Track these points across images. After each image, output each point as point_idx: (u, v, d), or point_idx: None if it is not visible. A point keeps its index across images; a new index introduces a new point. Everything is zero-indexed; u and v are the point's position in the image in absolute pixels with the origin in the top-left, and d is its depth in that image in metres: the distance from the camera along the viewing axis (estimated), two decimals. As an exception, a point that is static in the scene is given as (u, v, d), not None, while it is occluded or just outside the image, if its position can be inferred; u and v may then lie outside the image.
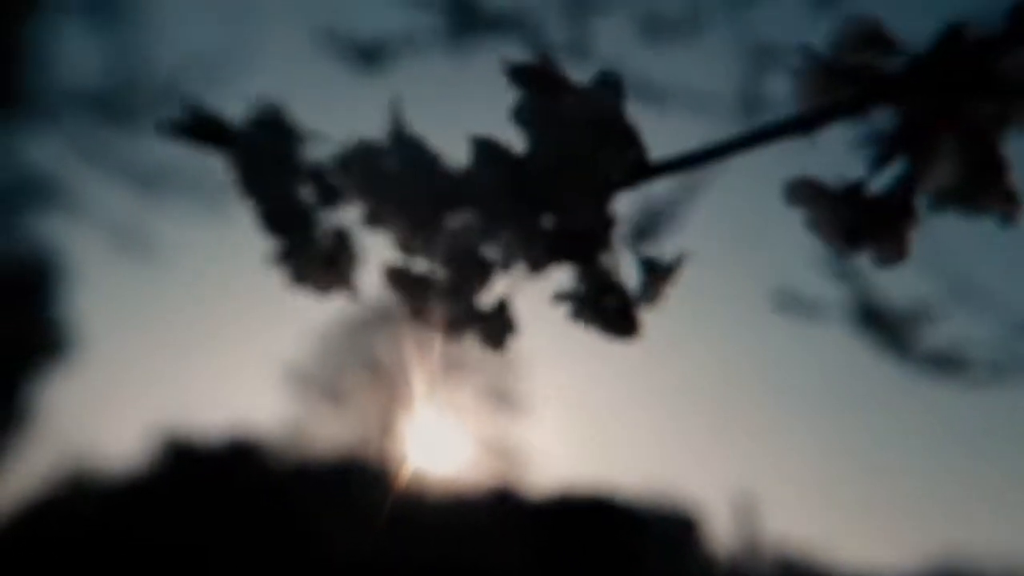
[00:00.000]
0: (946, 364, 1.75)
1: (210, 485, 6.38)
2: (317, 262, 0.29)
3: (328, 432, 7.00)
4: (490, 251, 0.26)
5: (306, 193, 0.30)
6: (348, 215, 0.29)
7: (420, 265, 0.27)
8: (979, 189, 0.24)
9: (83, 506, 6.38)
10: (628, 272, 0.27)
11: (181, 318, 9.43)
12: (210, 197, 5.34)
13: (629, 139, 0.25)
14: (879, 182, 0.25)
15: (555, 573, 6.53)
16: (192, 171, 5.32)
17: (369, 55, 1.65)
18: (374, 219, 0.27)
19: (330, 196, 0.30)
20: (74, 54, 5.66)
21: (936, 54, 0.23)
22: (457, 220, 0.26)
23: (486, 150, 0.25)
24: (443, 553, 6.17)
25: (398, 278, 0.27)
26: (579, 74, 0.24)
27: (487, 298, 0.27)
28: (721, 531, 7.25)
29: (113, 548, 5.92)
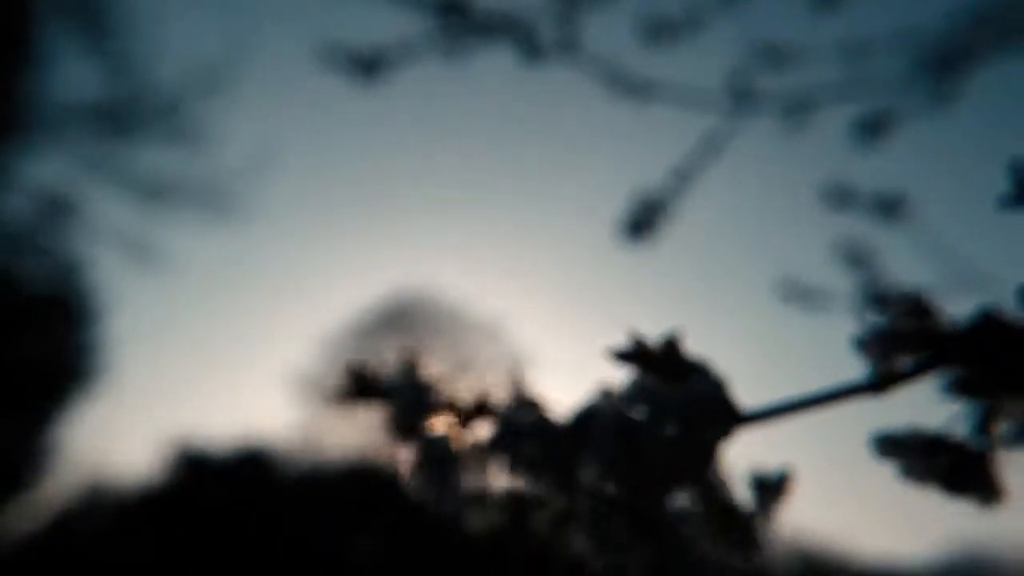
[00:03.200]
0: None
1: (223, 494, 6.41)
2: (462, 492, 0.35)
3: (338, 438, 7.02)
4: (613, 487, 0.31)
5: (447, 427, 0.36)
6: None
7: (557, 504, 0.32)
8: None
9: (100, 518, 6.41)
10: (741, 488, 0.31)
11: (188, 328, 9.47)
12: (215, 207, 5.36)
13: (727, 410, 0.30)
14: (958, 428, 0.29)
15: (572, 569, 6.52)
16: (196, 181, 5.34)
17: (364, 64, 1.65)
18: (514, 472, 0.32)
19: (466, 422, 0.36)
20: (74, 70, 5.69)
21: (975, 332, 0.28)
22: (583, 466, 0.31)
23: (609, 420, 0.30)
24: (458, 552, 6.17)
25: (557, 519, 0.32)
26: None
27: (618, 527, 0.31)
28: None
29: (130, 558, 5.95)
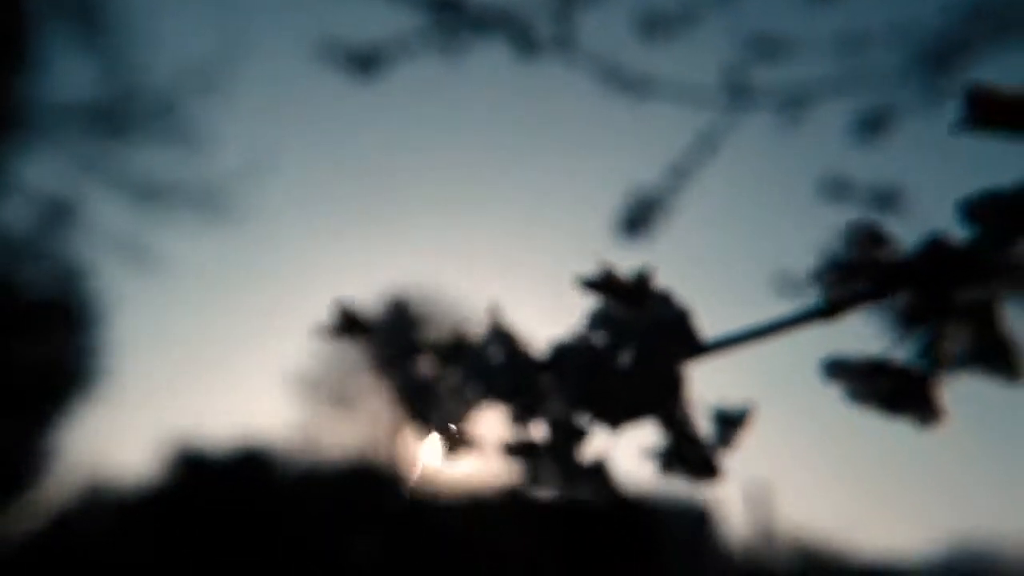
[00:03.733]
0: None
1: (223, 494, 6.40)
2: (443, 426, 0.35)
3: (338, 436, 7.01)
4: (581, 419, 0.32)
5: (429, 365, 0.36)
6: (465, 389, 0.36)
7: (528, 434, 0.33)
8: (987, 359, 0.29)
9: (100, 518, 6.41)
10: (704, 422, 0.33)
11: (187, 329, 9.47)
12: (212, 207, 5.36)
13: (687, 336, 0.31)
14: (901, 354, 0.30)
15: (571, 570, 6.52)
16: (193, 181, 5.34)
17: (361, 60, 1.65)
18: (485, 399, 0.33)
19: (450, 362, 0.36)
20: (70, 70, 5.68)
21: (923, 258, 0.29)
22: (551, 397, 0.32)
23: (565, 347, 0.31)
24: (457, 553, 6.17)
25: (512, 449, 0.33)
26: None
27: (585, 456, 0.32)
28: (735, 521, 7.24)
29: (129, 559, 5.95)
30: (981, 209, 0.28)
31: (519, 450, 0.33)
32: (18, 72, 5.21)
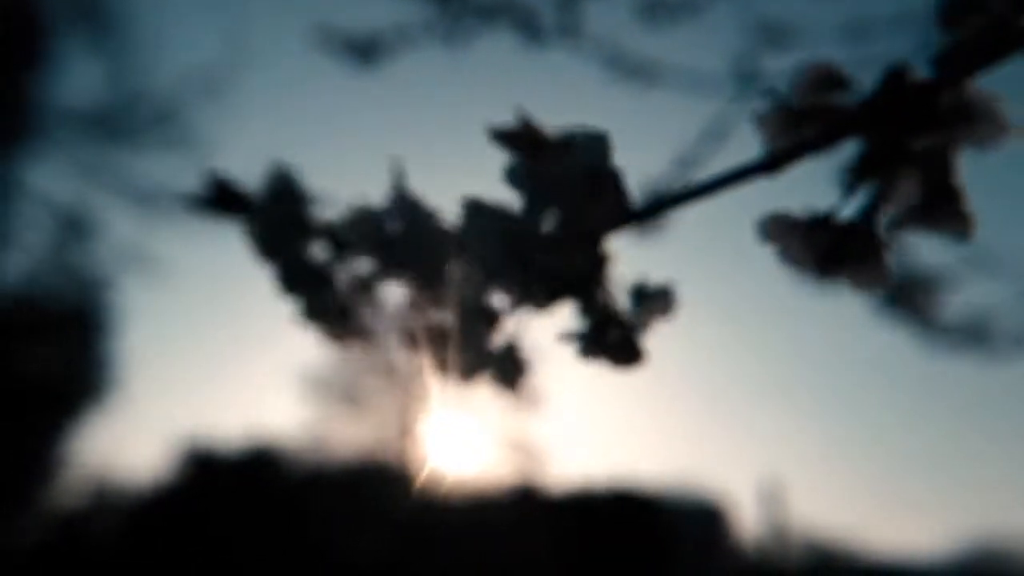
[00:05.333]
0: (970, 336, 1.73)
1: (232, 493, 6.42)
2: (334, 318, 0.32)
3: (347, 435, 7.02)
4: (495, 299, 0.28)
5: (319, 250, 0.32)
6: (361, 268, 0.32)
7: (433, 319, 0.29)
8: (936, 212, 0.25)
9: (110, 519, 6.44)
10: (625, 304, 0.29)
11: (195, 331, 9.50)
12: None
13: (615, 190, 0.27)
14: (847, 210, 0.26)
15: (581, 569, 6.51)
16: (196, 184, 5.33)
17: (365, 51, 1.64)
18: (384, 278, 0.30)
19: (342, 251, 0.32)
20: (75, 75, 5.70)
21: (881, 94, 0.25)
22: (460, 274, 0.28)
23: (477, 211, 0.27)
24: (466, 553, 6.16)
25: (415, 334, 0.30)
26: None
27: (497, 342, 0.29)
28: (748, 519, 7.20)
29: (139, 559, 5.97)
30: (956, 9, 0.24)
31: (425, 336, 0.29)
32: (28, 76, 5.23)
